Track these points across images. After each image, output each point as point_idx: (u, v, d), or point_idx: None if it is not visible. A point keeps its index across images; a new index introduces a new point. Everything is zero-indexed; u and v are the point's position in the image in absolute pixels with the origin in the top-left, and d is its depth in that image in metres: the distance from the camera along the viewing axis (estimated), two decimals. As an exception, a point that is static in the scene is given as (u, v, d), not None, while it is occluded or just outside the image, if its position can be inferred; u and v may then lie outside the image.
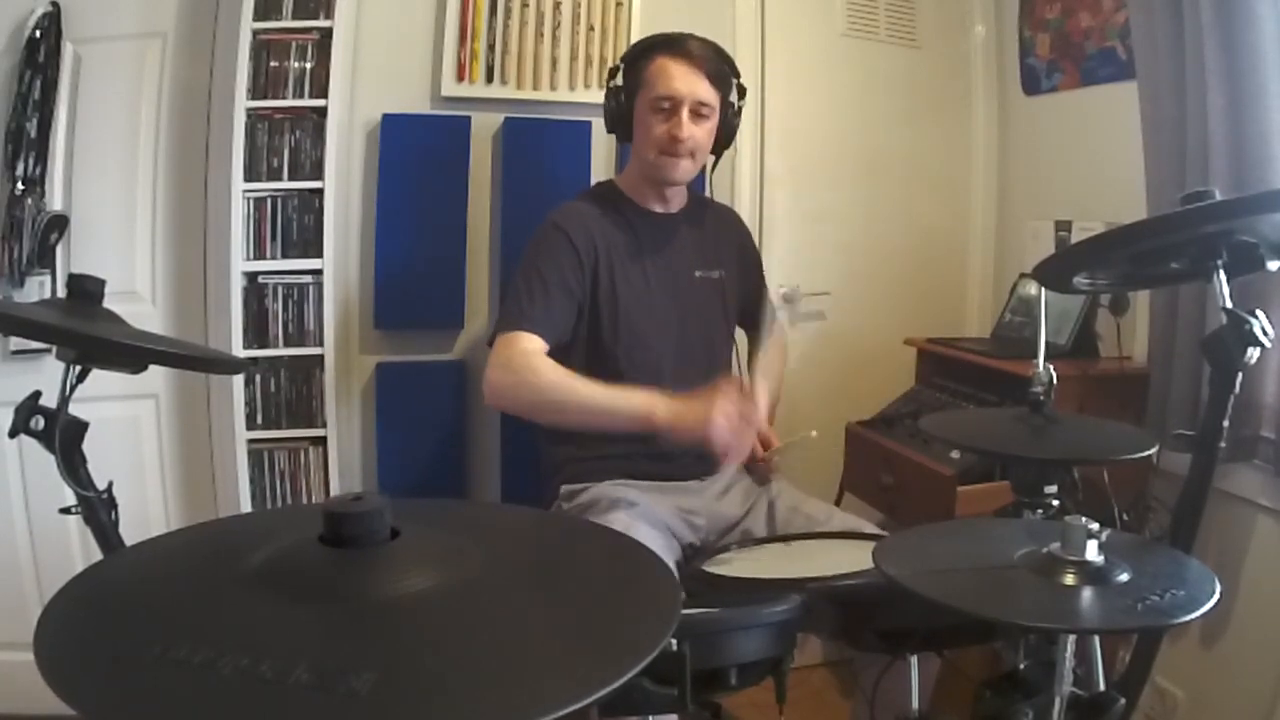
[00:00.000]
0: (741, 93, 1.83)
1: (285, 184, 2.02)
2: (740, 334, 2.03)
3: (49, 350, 1.67)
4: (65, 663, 0.62)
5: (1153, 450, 1.33)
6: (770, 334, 2.05)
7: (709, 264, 1.89)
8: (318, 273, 2.05)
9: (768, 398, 1.83)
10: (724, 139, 1.83)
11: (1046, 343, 1.49)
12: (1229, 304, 1.25)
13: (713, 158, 1.85)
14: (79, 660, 0.63)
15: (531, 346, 1.63)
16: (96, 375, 1.27)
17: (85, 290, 1.29)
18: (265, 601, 0.69)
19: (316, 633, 0.66)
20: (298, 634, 0.66)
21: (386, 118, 2.10)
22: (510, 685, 0.62)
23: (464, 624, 0.68)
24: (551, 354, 1.68)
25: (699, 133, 1.73)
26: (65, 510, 1.30)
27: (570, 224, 1.76)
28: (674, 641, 0.90)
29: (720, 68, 1.76)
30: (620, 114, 1.79)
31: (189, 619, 0.69)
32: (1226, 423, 1.28)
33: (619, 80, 1.80)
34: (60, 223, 1.93)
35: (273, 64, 2.00)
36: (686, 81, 1.71)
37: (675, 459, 1.80)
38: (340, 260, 2.10)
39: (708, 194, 2.01)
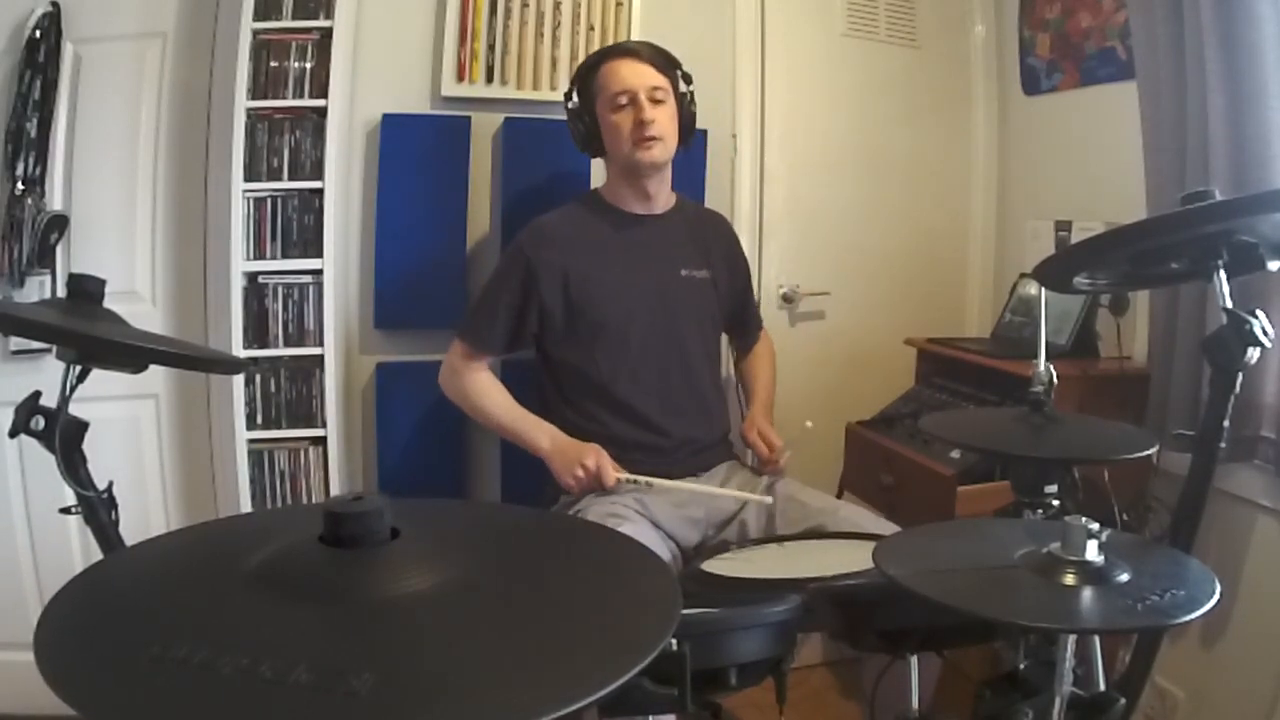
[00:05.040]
0: (688, 80, 1.89)
1: (285, 184, 2.02)
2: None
3: (49, 350, 1.68)
4: (65, 663, 0.62)
5: (1153, 450, 1.33)
6: (759, 341, 2.09)
7: (696, 264, 1.91)
8: (318, 273, 2.04)
9: (765, 407, 1.99)
10: (686, 127, 1.89)
11: (1046, 343, 1.49)
12: (1229, 304, 1.25)
13: (682, 148, 1.90)
14: (79, 660, 0.63)
15: (473, 358, 1.87)
16: (96, 375, 1.27)
17: (85, 290, 1.29)
18: (265, 601, 0.69)
19: (316, 633, 0.66)
20: (298, 634, 0.66)
21: (386, 118, 2.10)
22: (510, 685, 0.62)
23: (464, 624, 0.68)
24: (538, 358, 1.88)
25: (661, 115, 1.81)
26: (65, 510, 1.30)
27: (535, 244, 1.84)
28: (674, 641, 0.90)
29: (660, 56, 1.85)
30: (587, 130, 1.87)
31: (189, 619, 0.69)
32: (1226, 423, 1.29)
33: (575, 100, 1.87)
34: (60, 223, 1.93)
35: (273, 64, 2.00)
36: (636, 73, 1.80)
37: (668, 455, 1.82)
38: (340, 260, 2.10)
39: (705, 192, 2.03)
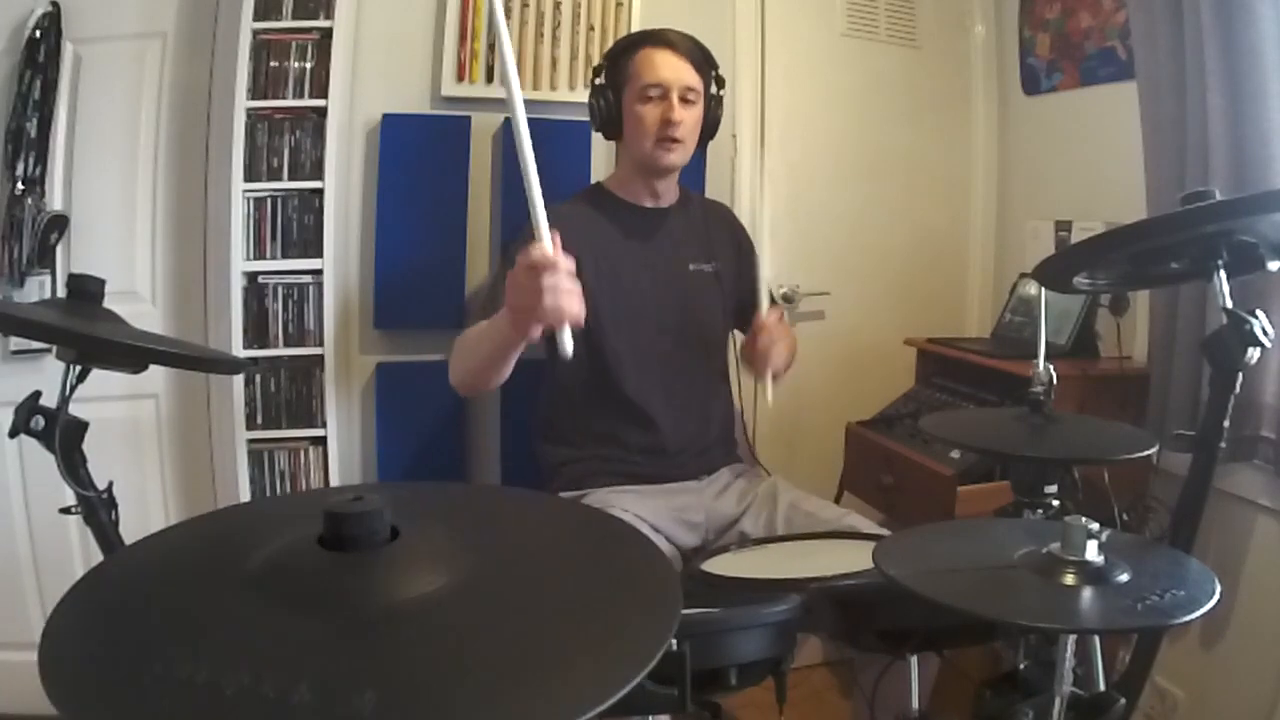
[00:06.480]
0: (720, 83, 1.86)
1: (285, 184, 2.02)
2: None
3: (49, 350, 1.67)
4: (69, 682, 0.62)
5: (1153, 450, 1.33)
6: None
7: (702, 257, 1.90)
8: (318, 273, 2.04)
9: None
10: (709, 130, 1.86)
11: (1046, 343, 1.49)
12: (1229, 304, 1.25)
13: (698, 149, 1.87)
14: (82, 680, 0.62)
15: None
16: (96, 375, 1.27)
17: (85, 290, 1.29)
18: (266, 611, 0.68)
19: (318, 647, 0.65)
20: (299, 648, 0.65)
21: (386, 118, 2.10)
22: (514, 700, 0.61)
23: (466, 632, 0.68)
24: (545, 347, 1.69)
25: (688, 118, 1.77)
26: (65, 510, 1.30)
27: (556, 228, 1.76)
28: (674, 641, 0.90)
29: (701, 55, 1.80)
30: (609, 112, 1.82)
31: (190, 634, 0.68)
32: (1226, 423, 1.29)
33: (603, 79, 1.84)
34: (60, 223, 1.93)
35: (273, 64, 2.00)
36: (673, 68, 1.76)
37: (671, 457, 1.81)
38: (340, 260, 2.10)
39: (705, 193, 2.02)
